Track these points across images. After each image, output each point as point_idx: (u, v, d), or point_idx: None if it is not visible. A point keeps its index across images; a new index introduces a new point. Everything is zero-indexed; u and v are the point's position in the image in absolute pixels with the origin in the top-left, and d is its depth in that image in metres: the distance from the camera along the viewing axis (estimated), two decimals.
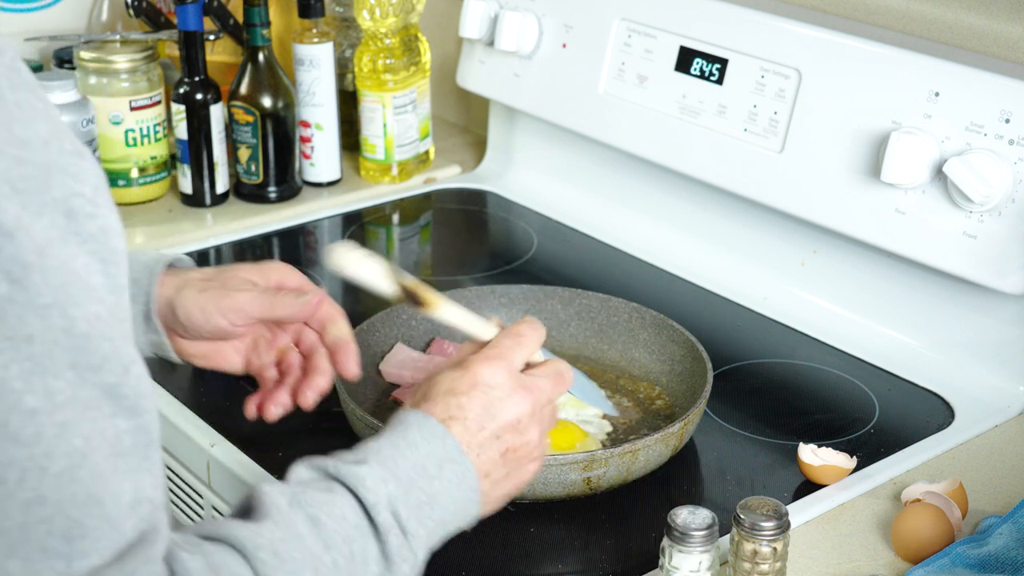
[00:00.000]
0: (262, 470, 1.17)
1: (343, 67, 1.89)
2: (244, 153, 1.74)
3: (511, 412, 0.94)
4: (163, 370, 1.37)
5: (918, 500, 1.09)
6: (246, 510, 0.82)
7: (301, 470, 0.87)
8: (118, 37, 1.74)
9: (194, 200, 1.73)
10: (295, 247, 1.70)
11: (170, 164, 1.77)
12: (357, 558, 0.82)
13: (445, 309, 1.00)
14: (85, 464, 0.68)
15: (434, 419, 0.91)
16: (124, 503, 0.70)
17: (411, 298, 0.99)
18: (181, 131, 1.70)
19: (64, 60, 1.78)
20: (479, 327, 1.01)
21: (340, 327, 1.12)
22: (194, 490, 1.26)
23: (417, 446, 0.89)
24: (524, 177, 1.83)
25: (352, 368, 1.11)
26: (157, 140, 1.73)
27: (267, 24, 1.70)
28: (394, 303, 0.97)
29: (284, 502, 0.81)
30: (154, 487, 0.73)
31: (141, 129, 1.71)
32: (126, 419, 0.71)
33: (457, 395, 0.93)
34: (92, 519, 0.69)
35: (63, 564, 0.68)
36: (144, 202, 1.75)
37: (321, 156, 1.79)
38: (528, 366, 0.99)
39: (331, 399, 1.15)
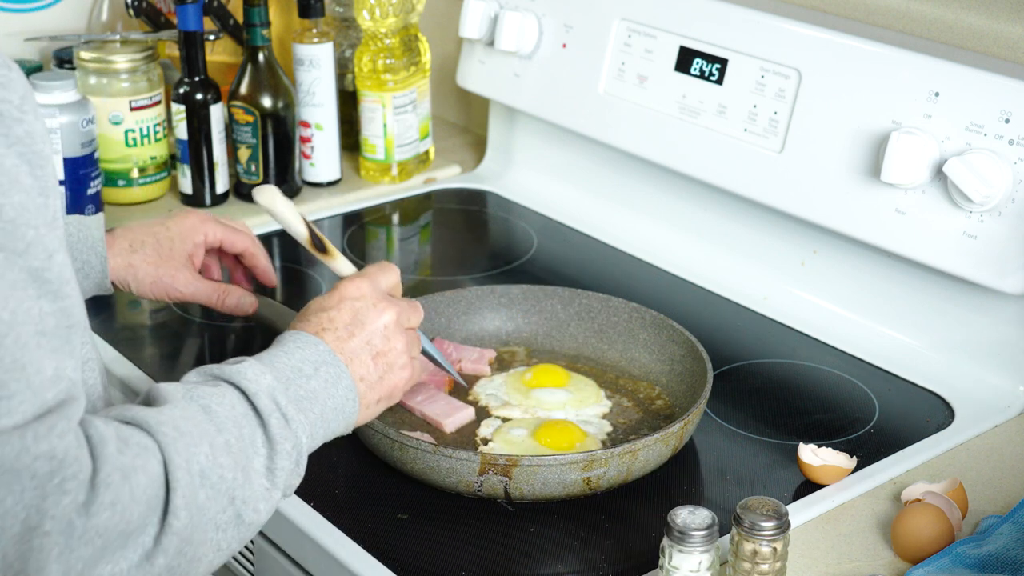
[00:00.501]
0: None
1: (343, 67, 1.89)
2: (244, 153, 1.74)
3: (377, 320, 1.05)
4: (162, 370, 1.37)
5: (918, 500, 1.09)
6: (147, 403, 0.91)
7: (190, 375, 0.96)
8: (118, 37, 1.74)
9: (194, 200, 1.73)
10: (295, 247, 1.70)
11: (170, 164, 1.77)
12: (246, 440, 0.90)
13: (341, 261, 1.16)
14: (10, 334, 0.76)
15: (306, 332, 1.02)
16: (46, 376, 0.78)
17: (316, 244, 1.14)
18: (181, 131, 1.70)
19: (64, 60, 1.78)
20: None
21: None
22: None
23: (292, 353, 0.99)
24: (524, 177, 1.83)
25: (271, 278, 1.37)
26: (157, 140, 1.73)
27: (267, 24, 1.70)
28: (302, 246, 1.15)
29: (179, 394, 0.91)
30: (74, 369, 0.81)
31: (141, 129, 1.71)
32: (50, 302, 0.79)
33: (327, 309, 1.04)
34: (15, 383, 0.76)
35: None
36: (144, 202, 1.75)
37: (321, 156, 1.79)
38: None
39: None
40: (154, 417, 0.86)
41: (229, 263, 1.39)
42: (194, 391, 0.91)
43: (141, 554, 0.82)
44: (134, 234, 1.29)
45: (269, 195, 1.14)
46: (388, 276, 1.11)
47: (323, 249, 1.15)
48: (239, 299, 1.32)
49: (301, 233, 1.15)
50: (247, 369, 0.94)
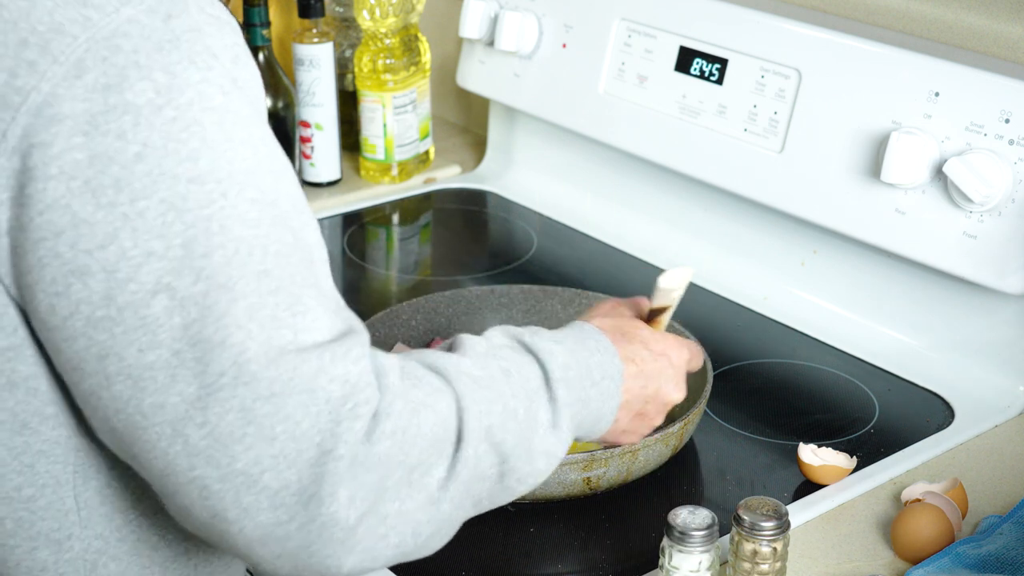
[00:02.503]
0: None
1: (343, 67, 1.89)
2: None
3: (668, 395, 1.04)
4: None
5: (918, 500, 1.09)
6: (449, 350, 0.92)
7: (496, 335, 0.96)
8: None
9: None
10: None
11: None
12: (532, 417, 0.90)
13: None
14: (296, 253, 0.79)
15: (611, 342, 1.00)
16: (336, 299, 0.82)
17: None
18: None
19: None
20: None
21: None
22: None
23: (594, 355, 0.98)
24: (524, 177, 1.83)
25: None
26: None
27: (267, 24, 1.70)
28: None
29: (482, 349, 0.92)
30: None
31: None
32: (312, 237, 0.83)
33: (648, 349, 1.03)
34: (311, 299, 0.79)
35: (291, 334, 0.78)
36: None
37: (321, 156, 1.80)
38: None
39: None
40: (454, 365, 0.87)
41: None
42: (499, 352, 0.92)
43: (426, 497, 0.82)
44: None
45: (679, 280, 1.10)
46: (697, 360, 1.10)
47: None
48: None
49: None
50: (559, 353, 0.94)
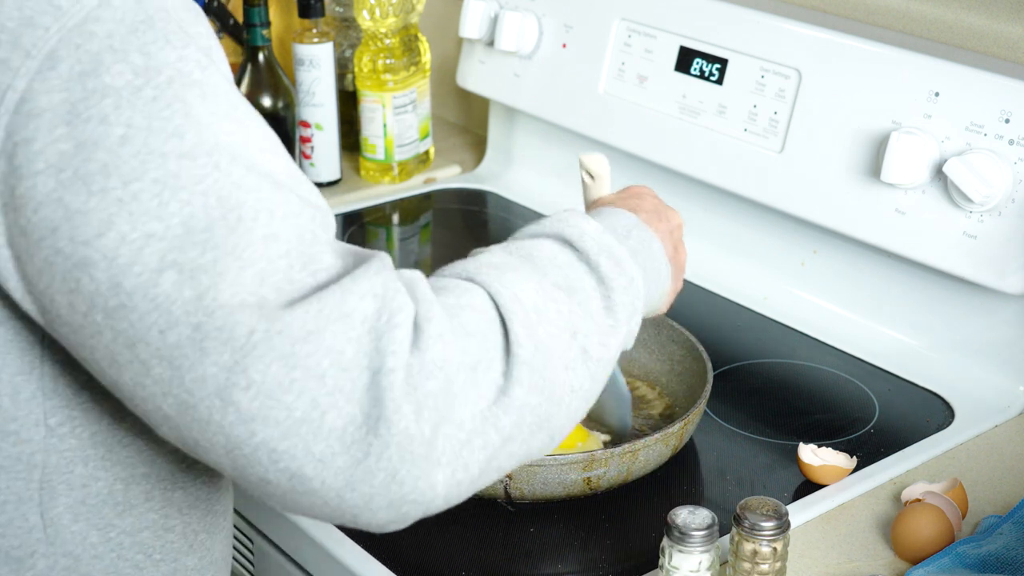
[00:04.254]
0: None
1: (343, 67, 1.89)
2: None
3: (674, 218, 1.04)
4: None
5: (918, 500, 1.09)
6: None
7: (513, 237, 0.94)
8: None
9: None
10: None
11: None
12: (575, 283, 0.87)
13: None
14: (303, 214, 0.77)
15: (606, 206, 0.99)
16: (348, 249, 0.80)
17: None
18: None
19: None
20: None
21: None
22: None
23: (604, 216, 0.97)
24: (524, 177, 1.83)
25: None
26: None
27: (267, 24, 1.70)
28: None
29: (497, 248, 0.90)
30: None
31: None
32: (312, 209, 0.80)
33: (627, 199, 1.03)
34: (324, 254, 0.77)
35: (310, 280, 0.76)
36: None
37: (321, 156, 1.80)
38: None
39: None
40: (471, 265, 0.85)
41: None
42: (511, 245, 0.90)
43: (495, 390, 0.79)
44: None
45: (600, 163, 1.12)
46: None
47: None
48: None
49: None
50: (568, 216, 0.92)
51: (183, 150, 0.75)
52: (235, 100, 0.80)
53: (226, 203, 0.75)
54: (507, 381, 0.79)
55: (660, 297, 1.00)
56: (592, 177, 1.13)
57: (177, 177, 0.74)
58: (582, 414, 0.87)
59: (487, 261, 0.86)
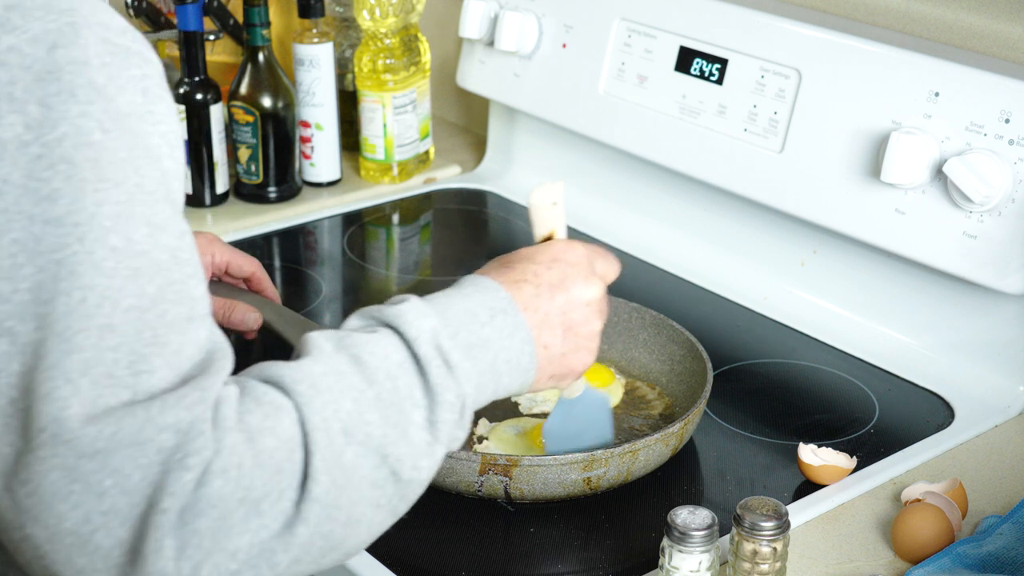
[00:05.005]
0: None
1: (343, 67, 1.89)
2: (244, 153, 1.74)
3: (584, 292, 0.98)
4: None
5: (918, 500, 1.09)
6: (297, 355, 0.86)
7: (353, 320, 0.91)
8: None
9: (194, 200, 1.73)
10: (295, 247, 1.70)
11: None
12: (402, 392, 0.84)
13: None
14: (156, 308, 0.75)
15: (489, 278, 0.95)
16: (184, 349, 0.77)
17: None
18: (181, 131, 1.70)
19: None
20: None
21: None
22: None
23: (470, 296, 0.92)
24: (524, 177, 1.83)
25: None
26: None
27: (267, 24, 1.70)
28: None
29: (329, 346, 0.85)
30: (212, 333, 0.79)
31: None
32: (184, 277, 0.77)
33: (535, 263, 0.97)
34: (158, 358, 0.75)
35: (127, 393, 0.74)
36: None
37: (321, 156, 1.79)
38: None
39: None
40: (290, 374, 0.81)
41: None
42: (347, 339, 0.86)
43: (283, 522, 0.77)
44: None
45: (551, 195, 1.04)
46: (608, 264, 1.03)
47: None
48: (244, 315, 1.30)
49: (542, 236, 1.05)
50: (408, 311, 0.88)
51: (52, 215, 0.73)
52: (138, 170, 0.76)
53: (76, 280, 0.73)
54: (295, 516, 0.78)
55: (521, 387, 0.95)
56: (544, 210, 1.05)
57: (38, 241, 0.73)
58: (388, 525, 0.86)
59: (309, 373, 0.82)
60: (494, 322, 0.91)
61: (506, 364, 0.92)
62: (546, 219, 1.03)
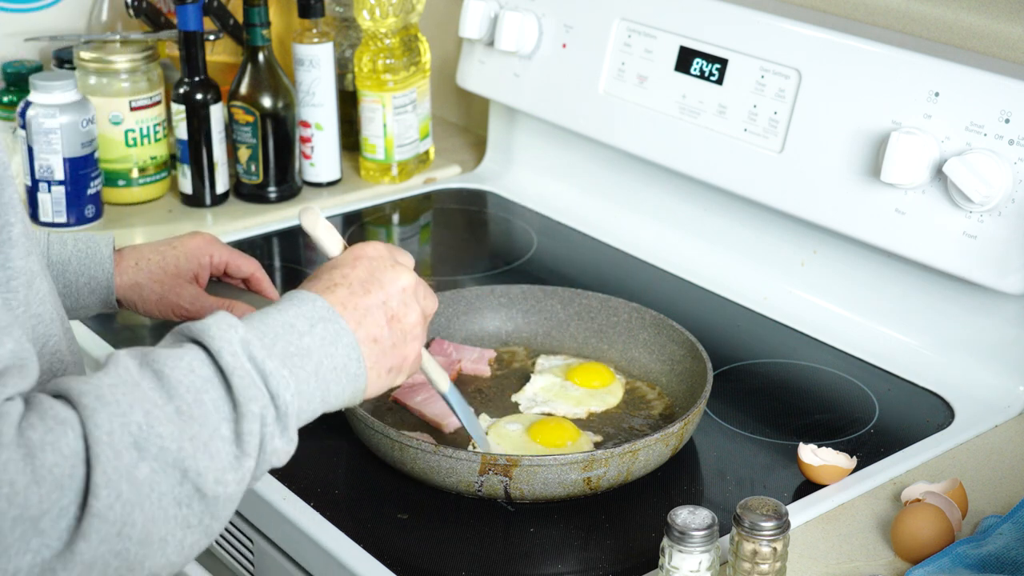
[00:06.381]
0: None
1: (343, 67, 1.89)
2: (244, 153, 1.74)
3: (396, 281, 0.98)
4: None
5: (918, 500, 1.09)
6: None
7: (165, 339, 0.88)
8: (118, 37, 1.74)
9: (194, 200, 1.73)
10: (295, 247, 1.70)
11: (170, 164, 1.77)
12: (208, 405, 0.82)
13: None
14: None
15: (305, 290, 0.94)
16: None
17: None
18: (181, 131, 1.70)
19: (64, 60, 1.78)
20: None
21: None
22: None
23: (286, 310, 0.91)
24: (524, 177, 1.83)
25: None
26: (157, 140, 1.73)
27: (267, 24, 1.70)
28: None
29: (132, 362, 0.82)
30: (15, 341, 0.78)
31: (141, 129, 1.71)
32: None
33: (340, 267, 0.97)
34: None
35: None
36: (144, 202, 1.75)
37: (321, 156, 1.79)
38: None
39: None
40: (78, 387, 0.79)
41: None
42: (151, 355, 0.83)
43: (62, 542, 0.75)
44: (140, 253, 1.28)
45: (312, 218, 1.03)
46: (405, 255, 1.04)
47: None
48: (243, 315, 1.30)
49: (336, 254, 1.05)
50: (213, 325, 0.86)
51: None
52: None
53: None
54: (75, 534, 0.75)
55: (354, 393, 0.94)
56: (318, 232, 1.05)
57: None
58: (203, 545, 0.83)
59: (96, 387, 0.79)
60: (314, 331, 0.90)
61: (332, 371, 0.90)
62: (327, 237, 1.03)
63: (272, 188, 1.75)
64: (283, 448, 0.86)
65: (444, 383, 1.13)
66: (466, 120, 2.06)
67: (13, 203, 0.83)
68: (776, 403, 1.33)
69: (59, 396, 0.80)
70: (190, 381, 0.82)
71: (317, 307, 0.92)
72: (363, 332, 0.94)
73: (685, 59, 1.53)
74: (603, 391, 1.30)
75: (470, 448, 1.19)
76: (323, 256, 1.03)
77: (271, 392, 0.85)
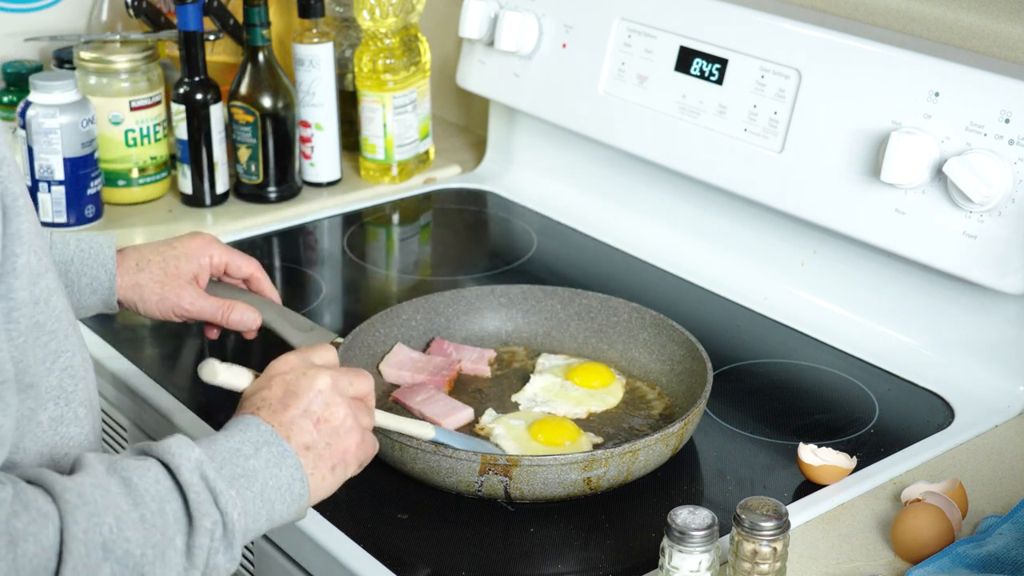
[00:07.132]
0: None
1: (343, 67, 1.89)
2: (244, 153, 1.74)
3: (310, 387, 1.00)
4: (163, 370, 1.37)
5: (918, 500, 1.09)
6: (71, 470, 0.88)
7: (127, 451, 0.93)
8: (118, 37, 1.74)
9: (194, 200, 1.73)
10: (295, 247, 1.70)
11: (170, 164, 1.77)
12: (168, 516, 0.87)
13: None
14: None
15: (245, 413, 0.98)
16: None
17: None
18: (181, 131, 1.70)
19: (64, 60, 1.78)
20: None
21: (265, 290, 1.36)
22: None
23: (232, 436, 0.95)
24: (524, 177, 1.83)
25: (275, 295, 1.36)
26: (157, 140, 1.73)
27: (267, 24, 1.70)
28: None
29: (102, 468, 0.87)
30: None
31: (141, 129, 1.71)
32: None
33: (259, 390, 1.00)
34: None
35: None
36: (144, 202, 1.75)
37: (321, 156, 1.79)
38: None
39: None
40: (61, 483, 0.84)
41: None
42: (119, 463, 0.88)
43: None
44: (141, 254, 1.29)
45: (210, 371, 1.06)
46: (323, 353, 1.05)
47: None
48: (243, 314, 1.30)
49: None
50: (173, 444, 0.91)
51: None
52: None
53: None
54: None
55: (299, 510, 0.97)
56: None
57: None
58: None
59: (78, 485, 0.84)
60: (259, 454, 0.94)
61: (276, 491, 0.94)
62: (232, 379, 1.05)
63: (272, 188, 1.75)
64: (224, 565, 0.90)
65: (428, 431, 1.13)
66: (466, 120, 2.06)
67: (21, 234, 0.86)
68: (776, 403, 1.33)
69: (40, 487, 0.84)
70: (156, 491, 0.87)
71: (262, 431, 0.96)
72: (294, 443, 0.97)
73: (685, 59, 1.53)
74: (603, 391, 1.30)
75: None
76: (238, 393, 1.06)
77: (220, 510, 0.89)
